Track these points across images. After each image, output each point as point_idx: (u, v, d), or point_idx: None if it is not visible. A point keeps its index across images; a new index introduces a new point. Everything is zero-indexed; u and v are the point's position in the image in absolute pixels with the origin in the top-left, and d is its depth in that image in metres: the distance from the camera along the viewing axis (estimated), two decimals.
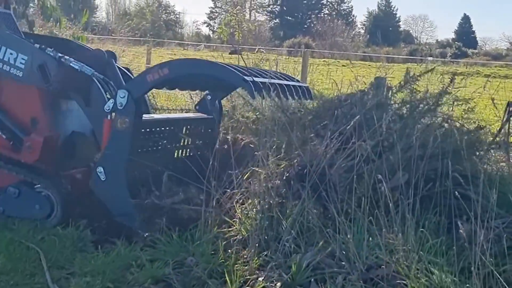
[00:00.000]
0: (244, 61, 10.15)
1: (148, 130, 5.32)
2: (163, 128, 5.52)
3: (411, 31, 79.98)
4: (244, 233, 4.43)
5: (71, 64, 5.12)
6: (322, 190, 4.45)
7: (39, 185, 5.21)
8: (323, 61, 32.18)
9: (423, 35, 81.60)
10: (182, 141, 5.79)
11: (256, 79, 4.84)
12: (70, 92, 5.33)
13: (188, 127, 5.86)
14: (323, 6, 78.92)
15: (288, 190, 4.54)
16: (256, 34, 47.91)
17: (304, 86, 5.98)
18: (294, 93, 5.56)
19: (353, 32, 67.46)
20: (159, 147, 5.47)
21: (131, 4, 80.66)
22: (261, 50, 16.22)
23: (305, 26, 71.74)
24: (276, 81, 5.32)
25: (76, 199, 5.23)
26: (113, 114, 4.91)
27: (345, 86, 8.05)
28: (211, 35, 65.98)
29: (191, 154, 5.75)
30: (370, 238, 4.23)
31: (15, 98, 5.34)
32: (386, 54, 44.63)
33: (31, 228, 4.96)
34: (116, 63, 5.83)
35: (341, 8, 79.04)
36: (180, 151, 5.78)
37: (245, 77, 4.71)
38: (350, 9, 79.90)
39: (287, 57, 25.17)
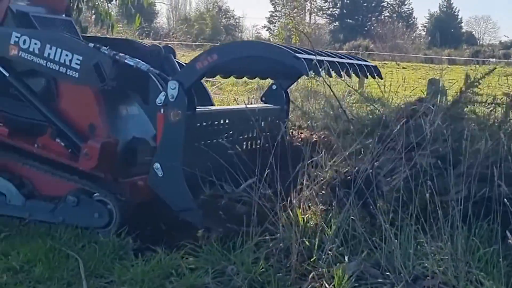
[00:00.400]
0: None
1: (210, 122, 5.19)
2: (225, 120, 5.38)
3: (473, 32, 78.74)
4: (286, 241, 4.28)
5: (125, 61, 5.04)
6: (368, 197, 4.30)
7: (97, 194, 5.13)
8: (383, 63, 31.86)
9: (485, 36, 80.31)
10: (248, 133, 5.63)
11: (311, 56, 4.64)
12: (128, 90, 5.32)
13: (254, 118, 5.60)
14: (383, 9, 78.23)
15: (333, 197, 4.39)
16: (316, 37, 47.72)
17: (372, 66, 5.77)
18: (359, 72, 5.39)
19: (414, 34, 66.79)
20: (222, 140, 5.26)
21: (191, 9, 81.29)
22: None
23: (365, 28, 71.19)
24: (336, 59, 5.13)
25: (136, 207, 5.14)
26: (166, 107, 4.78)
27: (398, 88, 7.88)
28: (271, 39, 65.93)
29: (259, 146, 5.50)
30: (418, 247, 4.06)
31: (73, 103, 5.28)
32: (447, 56, 43.99)
33: (73, 235, 4.91)
34: (175, 58, 5.76)
35: (402, 10, 78.18)
36: (247, 143, 5.61)
37: (297, 54, 4.52)
38: (410, 11, 79.00)
39: None
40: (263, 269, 4.09)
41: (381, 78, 5.88)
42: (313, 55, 4.76)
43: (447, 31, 66.70)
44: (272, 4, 77.26)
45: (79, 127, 5.21)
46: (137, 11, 11.09)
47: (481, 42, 73.66)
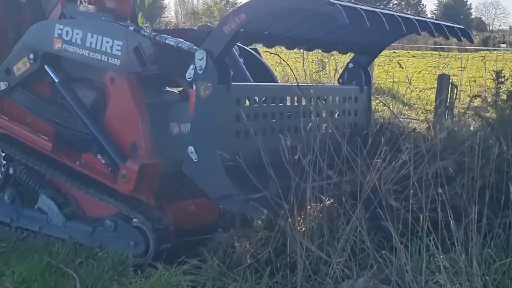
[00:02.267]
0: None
1: (255, 99, 4.65)
2: (281, 98, 4.80)
3: (483, 18, 78.32)
4: (292, 255, 4.05)
5: (166, 41, 4.63)
6: (377, 207, 4.08)
7: (135, 220, 4.77)
8: (393, 51, 31.58)
9: (495, 22, 79.84)
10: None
11: (355, 5, 4.08)
12: (173, 75, 4.92)
13: (325, 98, 5.11)
14: None
15: (340, 209, 4.16)
16: None
17: (457, 27, 5.01)
18: (434, 30, 4.69)
19: None
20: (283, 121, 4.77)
21: (198, 2, 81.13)
22: None
23: None
24: (397, 13, 4.48)
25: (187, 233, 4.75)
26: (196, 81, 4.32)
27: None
28: None
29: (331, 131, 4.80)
30: (432, 259, 3.84)
31: (117, 117, 4.89)
32: (457, 43, 43.58)
33: (71, 251, 4.74)
34: None
35: None
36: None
37: (332, 0, 3.90)
38: None
39: None
40: (267, 287, 3.90)
41: (471, 41, 5.24)
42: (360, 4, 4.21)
43: (456, 18, 66.25)
44: None
45: (121, 144, 4.83)
46: (140, 9, 10.90)
47: (491, 28, 73.25)
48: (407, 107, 12.60)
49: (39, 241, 4.99)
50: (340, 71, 5.91)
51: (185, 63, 4.41)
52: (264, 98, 4.72)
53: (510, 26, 70.63)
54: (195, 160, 4.29)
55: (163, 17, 68.70)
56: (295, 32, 4.87)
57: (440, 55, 30.77)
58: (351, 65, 5.49)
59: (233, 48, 5.10)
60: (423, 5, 78.33)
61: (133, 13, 6.29)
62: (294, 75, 7.42)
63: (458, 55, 25.82)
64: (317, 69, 13.73)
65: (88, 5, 5.85)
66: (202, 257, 4.24)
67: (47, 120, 5.34)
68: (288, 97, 4.82)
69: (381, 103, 9.91)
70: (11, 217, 5.38)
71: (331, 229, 4.09)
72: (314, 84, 5.32)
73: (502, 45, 41.37)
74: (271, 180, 4.15)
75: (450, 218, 3.79)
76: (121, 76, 4.77)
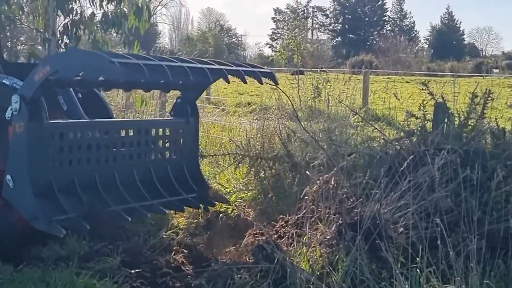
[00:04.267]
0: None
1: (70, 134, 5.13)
2: (98, 133, 5.33)
3: (476, 44, 78.75)
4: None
5: (3, 81, 5.29)
6: (377, 238, 4.07)
7: None
8: (387, 78, 31.76)
9: (488, 47, 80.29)
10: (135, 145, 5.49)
11: (128, 60, 4.51)
12: None
13: (142, 131, 5.55)
14: (385, 23, 78.33)
15: (340, 240, 4.16)
16: (319, 53, 47.61)
17: (259, 71, 5.35)
18: (210, 75, 5.08)
19: (416, 47, 66.63)
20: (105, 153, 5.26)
21: (193, 28, 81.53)
22: (323, 70, 15.86)
23: (368, 43, 71.26)
24: (176, 63, 4.88)
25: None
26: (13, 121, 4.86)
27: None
28: (274, 57, 65.87)
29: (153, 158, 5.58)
30: None
31: None
32: (450, 69, 43.83)
33: (68, 282, 4.69)
34: None
35: (403, 24, 78.30)
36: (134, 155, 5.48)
37: (112, 59, 4.32)
38: (412, 24, 79.16)
39: (350, 75, 24.75)
40: None
41: (276, 83, 5.43)
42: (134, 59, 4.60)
43: (449, 44, 66.72)
44: (274, 21, 77.40)
45: None
46: (136, 37, 10.95)
47: (484, 53, 73.68)
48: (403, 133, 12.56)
49: (36, 272, 4.94)
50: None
51: None
52: (80, 133, 5.23)
53: (503, 52, 71.00)
54: (12, 187, 4.83)
55: (158, 43, 69.02)
56: (107, 76, 5.17)
57: (434, 80, 30.95)
58: (179, 100, 5.97)
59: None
60: (416, 30, 78.87)
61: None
62: (291, 101, 7.47)
63: (452, 80, 25.94)
64: (312, 95, 13.81)
65: None
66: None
67: None
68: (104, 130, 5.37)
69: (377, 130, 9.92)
70: None
71: (331, 261, 4.07)
72: (140, 119, 5.83)
73: (495, 70, 41.59)
74: (82, 203, 4.83)
75: (449, 249, 3.78)
76: None
